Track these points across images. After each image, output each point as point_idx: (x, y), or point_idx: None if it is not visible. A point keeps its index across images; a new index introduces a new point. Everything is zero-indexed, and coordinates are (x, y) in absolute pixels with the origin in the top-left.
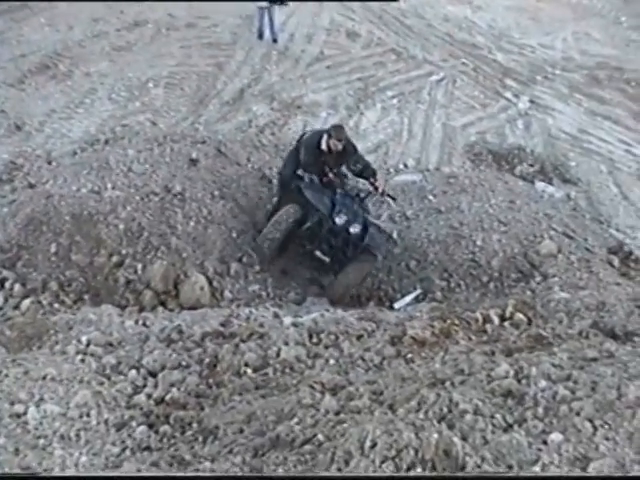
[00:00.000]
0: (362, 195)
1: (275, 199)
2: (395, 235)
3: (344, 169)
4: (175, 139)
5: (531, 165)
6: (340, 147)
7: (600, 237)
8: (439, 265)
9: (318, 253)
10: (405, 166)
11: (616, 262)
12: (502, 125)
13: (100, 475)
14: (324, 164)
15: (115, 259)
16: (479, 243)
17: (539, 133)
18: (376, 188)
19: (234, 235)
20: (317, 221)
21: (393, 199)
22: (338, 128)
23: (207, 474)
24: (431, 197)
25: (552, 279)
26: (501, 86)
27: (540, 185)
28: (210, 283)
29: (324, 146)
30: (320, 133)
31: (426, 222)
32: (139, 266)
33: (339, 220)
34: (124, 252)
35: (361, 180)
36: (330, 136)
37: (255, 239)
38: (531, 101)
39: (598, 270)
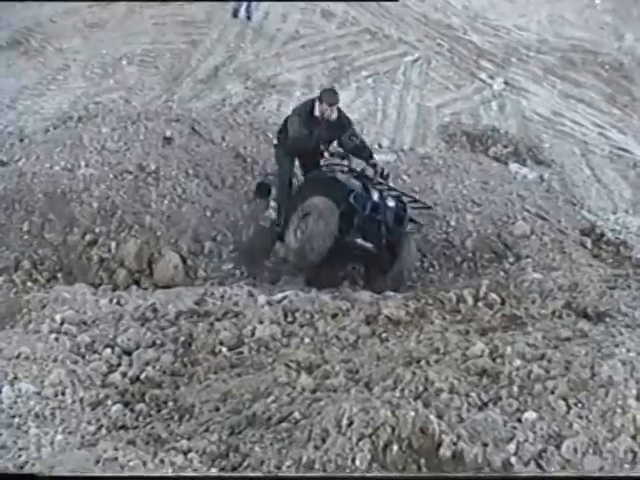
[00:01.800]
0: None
1: (270, 211)
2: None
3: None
4: (149, 117)
5: (505, 146)
6: (334, 116)
7: (573, 219)
8: None
9: (359, 241)
10: (379, 146)
11: (588, 243)
12: (476, 106)
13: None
14: (318, 139)
15: (89, 237)
16: (453, 224)
17: (513, 115)
18: (382, 170)
19: (208, 214)
20: (354, 200)
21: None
22: (330, 91)
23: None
24: (405, 177)
25: (525, 260)
26: (476, 67)
27: (514, 166)
28: (184, 262)
29: (317, 112)
30: (311, 100)
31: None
32: (113, 244)
33: (375, 195)
34: (98, 230)
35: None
36: (321, 101)
37: (289, 250)
38: (505, 83)
39: (571, 251)
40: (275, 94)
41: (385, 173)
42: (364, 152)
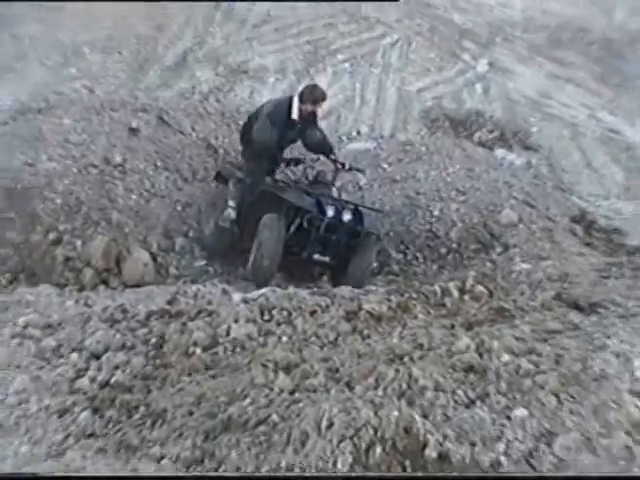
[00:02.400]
0: (329, 177)
1: (229, 211)
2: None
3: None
4: (114, 107)
5: (490, 131)
6: (320, 111)
7: (562, 205)
8: (395, 237)
9: (317, 256)
10: (358, 133)
11: (579, 231)
12: (460, 89)
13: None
14: (285, 143)
15: (52, 236)
16: (436, 213)
17: (498, 97)
18: (342, 165)
19: (179, 208)
20: (307, 222)
21: (361, 171)
22: (316, 86)
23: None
24: (386, 165)
25: (513, 250)
26: (458, 48)
27: (500, 152)
28: (154, 259)
29: (295, 115)
30: (286, 100)
31: (380, 192)
32: (78, 243)
33: (330, 212)
34: (62, 228)
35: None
36: (304, 99)
37: (248, 269)
38: (490, 64)
39: (561, 240)
40: (247, 80)
41: (347, 166)
42: (325, 147)
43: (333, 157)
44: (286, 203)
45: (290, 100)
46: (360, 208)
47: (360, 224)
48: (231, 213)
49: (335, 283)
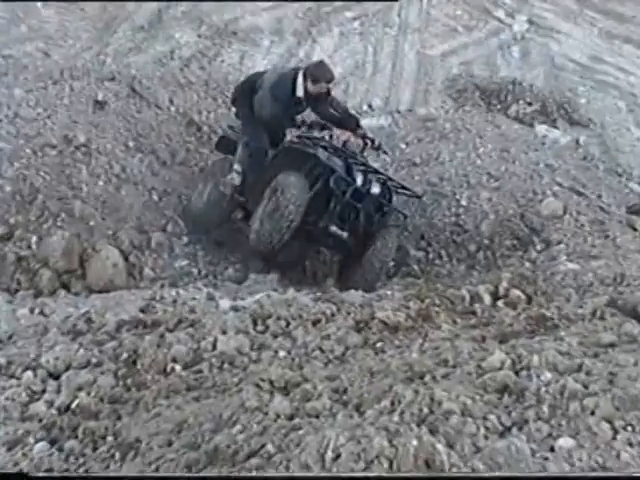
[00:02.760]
0: (359, 149)
1: (233, 176)
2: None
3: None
4: (75, 75)
5: (529, 104)
6: (325, 91)
7: (617, 193)
8: (415, 231)
9: (334, 228)
10: (370, 107)
11: (638, 224)
12: (492, 53)
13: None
14: (293, 118)
15: (1, 230)
16: (464, 203)
17: (540, 63)
18: (372, 141)
19: (155, 197)
20: (333, 186)
21: (385, 153)
22: (322, 65)
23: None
24: (403, 146)
25: (557, 246)
26: (491, 3)
27: (541, 129)
28: (126, 259)
29: (301, 92)
30: (290, 75)
31: (397, 177)
32: (33, 239)
33: (359, 180)
34: (13, 221)
35: None
36: (309, 78)
37: (252, 234)
38: (529, 21)
39: (615, 234)
40: (236, 43)
41: (377, 144)
42: (348, 122)
43: (361, 131)
44: (312, 160)
45: (295, 75)
46: (390, 184)
47: (389, 201)
48: (235, 178)
49: (345, 275)
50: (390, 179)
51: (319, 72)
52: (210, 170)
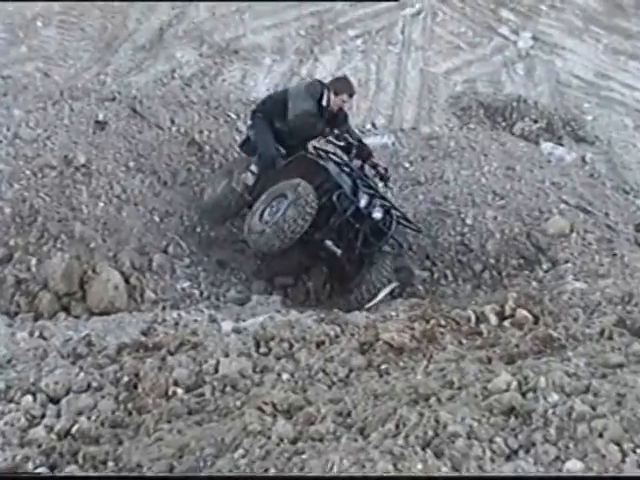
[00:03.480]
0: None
1: (247, 175)
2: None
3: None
4: (76, 96)
5: (535, 121)
6: (347, 106)
7: (625, 210)
8: (419, 251)
9: (329, 243)
10: (373, 126)
11: None
12: (497, 70)
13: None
14: (319, 130)
15: (1, 252)
16: (469, 222)
17: (545, 79)
18: (385, 170)
19: (156, 218)
20: (336, 202)
21: (389, 188)
22: (346, 80)
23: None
24: (407, 164)
25: (564, 265)
26: (495, 19)
27: (547, 146)
28: (127, 281)
29: (325, 102)
30: (319, 85)
31: (401, 196)
32: (33, 261)
33: (363, 201)
34: (13, 243)
35: None
36: (333, 91)
37: (251, 229)
38: (534, 38)
39: (623, 253)
40: (238, 62)
41: (386, 176)
42: (361, 152)
43: (372, 162)
44: (322, 172)
45: (322, 88)
46: (394, 213)
47: (388, 228)
48: (249, 177)
49: (330, 292)
50: (395, 208)
51: (343, 86)
52: (228, 166)
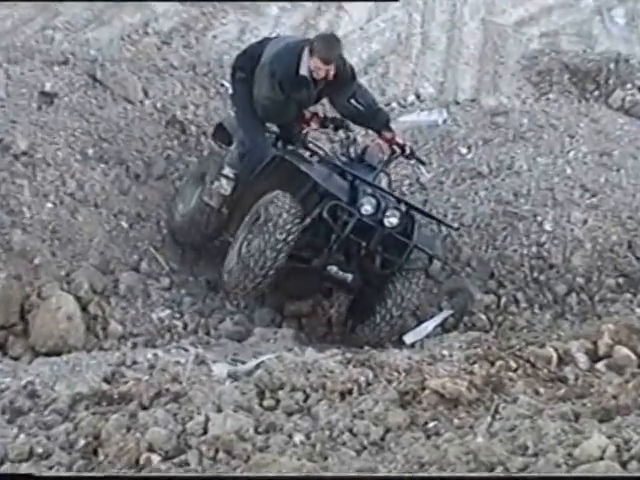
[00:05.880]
0: (379, 159)
1: (222, 183)
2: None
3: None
4: (13, 58)
5: None
6: (332, 73)
7: None
8: (481, 267)
9: (334, 270)
10: (418, 98)
11: None
12: (587, 19)
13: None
14: (301, 105)
15: None
16: (549, 227)
17: None
18: (402, 148)
19: (124, 224)
20: (327, 213)
21: (423, 164)
22: (330, 38)
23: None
24: (464, 150)
25: None
26: None
27: None
28: (84, 308)
29: (305, 70)
30: (295, 46)
31: (456, 193)
32: None
33: (368, 207)
34: None
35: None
36: (313, 52)
37: (225, 270)
38: None
39: None
40: (233, 11)
41: (407, 151)
42: (375, 119)
43: (389, 134)
44: (307, 181)
45: (301, 48)
46: (414, 211)
47: (409, 236)
48: (224, 185)
49: (352, 325)
50: (410, 205)
51: (321, 47)
52: (201, 167)
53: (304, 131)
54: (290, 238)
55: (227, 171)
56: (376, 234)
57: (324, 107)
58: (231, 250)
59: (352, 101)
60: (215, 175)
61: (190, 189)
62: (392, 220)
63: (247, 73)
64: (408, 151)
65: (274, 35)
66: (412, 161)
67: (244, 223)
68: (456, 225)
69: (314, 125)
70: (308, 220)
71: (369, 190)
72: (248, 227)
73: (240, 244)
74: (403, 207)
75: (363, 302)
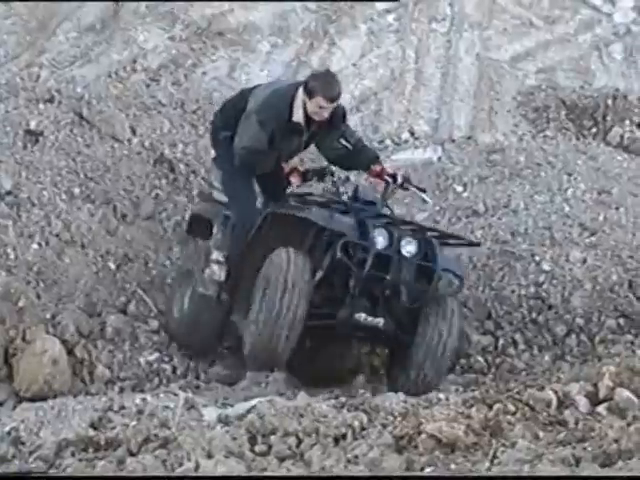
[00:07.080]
0: (374, 195)
1: (213, 269)
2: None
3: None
4: None
5: (639, 125)
6: (327, 115)
7: None
8: (478, 308)
9: (362, 316)
10: (412, 135)
11: None
12: (585, 55)
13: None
14: (290, 154)
15: None
16: (547, 267)
17: None
18: (393, 177)
19: (111, 265)
20: (341, 251)
21: (422, 190)
22: (329, 75)
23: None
24: (459, 188)
25: None
26: None
27: None
28: (70, 352)
29: (298, 117)
30: (286, 91)
31: (452, 231)
32: None
33: (381, 239)
34: None
35: None
36: (314, 92)
37: (247, 349)
38: (636, 9)
39: None
40: (224, 48)
41: (400, 180)
42: (363, 155)
43: (378, 167)
44: (309, 227)
45: (293, 92)
46: (429, 235)
47: (432, 261)
48: (216, 271)
49: (394, 374)
50: (427, 228)
51: (323, 85)
52: (182, 269)
53: (287, 190)
54: (303, 295)
55: (216, 255)
56: (397, 265)
57: (302, 160)
58: (248, 328)
59: (342, 140)
60: (204, 263)
61: (180, 291)
62: (409, 248)
63: (232, 130)
64: (400, 180)
65: (258, 83)
66: (411, 189)
67: (254, 299)
68: (474, 241)
69: (295, 181)
70: (319, 274)
71: (378, 222)
72: (259, 301)
73: (256, 321)
74: (419, 234)
75: (398, 350)
